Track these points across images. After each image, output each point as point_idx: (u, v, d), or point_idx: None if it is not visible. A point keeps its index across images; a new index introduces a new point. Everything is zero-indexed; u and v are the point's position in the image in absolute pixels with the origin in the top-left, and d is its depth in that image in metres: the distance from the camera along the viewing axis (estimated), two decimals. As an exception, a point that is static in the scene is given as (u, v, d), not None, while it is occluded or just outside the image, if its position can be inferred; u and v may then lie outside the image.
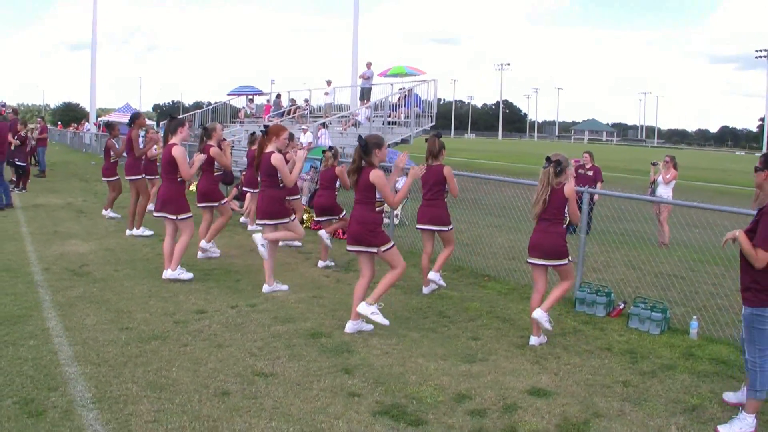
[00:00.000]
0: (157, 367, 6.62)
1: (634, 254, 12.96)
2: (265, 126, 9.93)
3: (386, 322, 7.85)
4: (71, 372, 6.42)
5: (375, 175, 7.70)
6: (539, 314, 7.72)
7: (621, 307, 9.21)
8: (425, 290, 10.01)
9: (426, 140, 9.99)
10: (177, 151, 9.95)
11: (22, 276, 10.04)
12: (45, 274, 10.19)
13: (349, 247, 8.02)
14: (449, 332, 8.19)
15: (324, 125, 26.22)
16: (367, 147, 7.79)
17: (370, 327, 7.95)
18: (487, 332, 8.23)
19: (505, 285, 10.65)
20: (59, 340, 7.28)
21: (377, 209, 7.89)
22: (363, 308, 7.81)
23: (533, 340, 7.85)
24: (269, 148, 9.48)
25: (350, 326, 8.02)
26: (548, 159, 7.78)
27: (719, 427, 5.81)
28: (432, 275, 9.85)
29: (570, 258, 7.91)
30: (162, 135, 11.22)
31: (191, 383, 6.26)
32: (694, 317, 8.51)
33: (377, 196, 7.81)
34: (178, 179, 10.08)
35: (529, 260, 8.00)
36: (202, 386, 6.19)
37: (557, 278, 8.08)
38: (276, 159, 9.33)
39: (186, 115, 38.92)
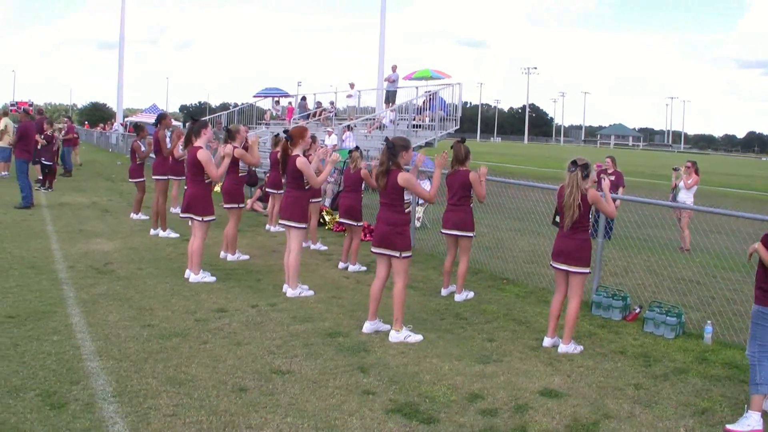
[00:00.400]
0: (176, 363, 6.77)
1: (653, 259, 13.01)
2: (285, 130, 10.03)
3: (420, 337, 7.94)
4: (93, 366, 6.58)
5: (403, 178, 7.76)
6: (564, 349, 7.80)
7: (637, 311, 9.27)
8: (443, 292, 10.12)
9: (451, 147, 10.05)
10: (202, 155, 10.06)
11: (47, 273, 10.24)
12: (69, 272, 10.38)
13: (374, 249, 8.08)
14: (465, 333, 8.29)
15: (349, 128, 26.37)
16: (395, 149, 7.85)
17: (387, 327, 8.06)
18: (502, 334, 8.32)
19: (523, 288, 10.74)
20: (82, 336, 7.45)
21: (406, 210, 7.99)
22: (394, 337, 7.88)
23: (547, 342, 7.94)
24: (295, 152, 9.58)
25: (368, 326, 8.14)
26: (574, 163, 7.77)
27: (728, 426, 5.90)
28: (458, 297, 9.94)
29: (589, 269, 7.99)
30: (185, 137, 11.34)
31: (210, 379, 6.39)
32: (709, 322, 8.57)
33: (405, 197, 7.89)
34: (205, 180, 10.20)
35: (553, 264, 8.06)
36: (220, 382, 6.33)
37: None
38: (301, 163, 9.43)
39: (213, 116, 39.22)
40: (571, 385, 6.71)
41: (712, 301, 10.13)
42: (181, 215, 10.57)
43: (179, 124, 50.46)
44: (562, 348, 7.79)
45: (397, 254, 7.87)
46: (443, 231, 10.09)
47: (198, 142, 10.19)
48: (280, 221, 9.85)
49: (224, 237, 11.98)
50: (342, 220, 11.96)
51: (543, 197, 12.99)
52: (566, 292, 8.03)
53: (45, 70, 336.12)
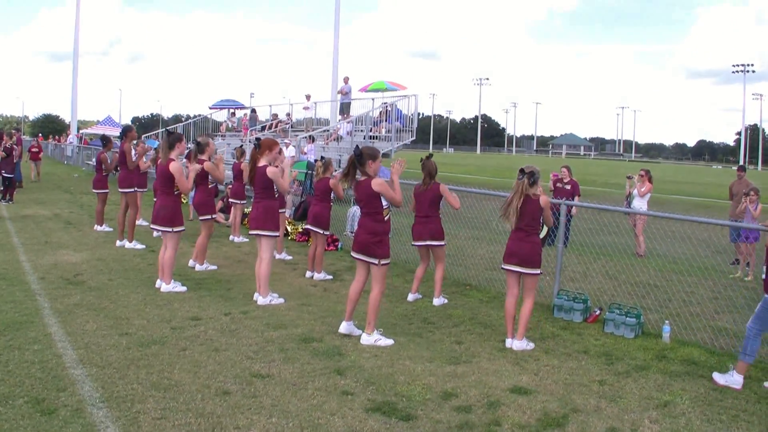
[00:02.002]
0: (159, 369, 6.96)
1: (611, 265, 13.37)
2: (257, 139, 10.24)
3: (391, 342, 8.17)
4: (77, 374, 6.74)
5: (377, 183, 7.99)
6: (518, 345, 8.16)
7: (597, 313, 9.62)
8: (410, 297, 10.42)
9: (421, 161, 10.29)
10: (174, 167, 10.23)
11: (19, 285, 10.34)
12: (41, 283, 10.49)
13: (354, 254, 8.32)
14: (434, 337, 8.57)
15: (312, 139, 26.56)
16: (362, 158, 8.08)
17: (360, 332, 8.31)
18: (470, 337, 8.63)
19: (486, 293, 11.06)
20: (62, 345, 7.60)
21: (386, 218, 8.25)
22: (365, 339, 8.14)
23: (509, 342, 8.28)
24: (262, 162, 9.79)
25: (344, 327, 8.41)
26: (522, 171, 8.26)
27: (714, 375, 7.35)
28: (436, 301, 10.29)
29: (541, 270, 8.36)
30: (158, 149, 11.47)
31: (193, 384, 6.60)
32: (666, 321, 8.96)
33: (383, 204, 8.16)
34: (175, 192, 10.36)
35: (504, 266, 8.44)
36: (203, 386, 6.54)
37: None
38: (271, 171, 9.65)
39: (168, 128, 39.16)
40: (539, 383, 7.03)
41: (669, 303, 10.55)
42: (152, 226, 10.71)
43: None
44: (516, 344, 8.16)
45: (376, 261, 8.12)
46: (416, 243, 10.37)
47: (171, 155, 10.37)
48: (251, 231, 10.01)
49: (197, 246, 12.12)
50: (308, 227, 12.13)
51: (498, 206, 13.27)
52: (518, 293, 8.44)
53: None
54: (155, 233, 11.55)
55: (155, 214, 10.49)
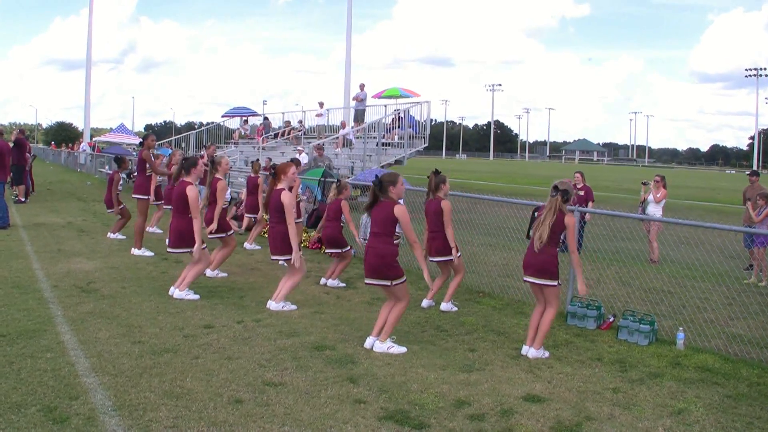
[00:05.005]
0: (171, 377, 6.95)
1: (624, 271, 13.33)
2: (272, 167, 10.28)
3: (404, 349, 8.16)
4: (90, 382, 6.74)
5: (400, 211, 7.98)
6: (533, 353, 8.13)
7: (611, 320, 9.58)
8: (424, 303, 10.41)
9: (428, 177, 10.28)
10: (191, 192, 10.30)
11: (32, 292, 10.36)
12: (54, 291, 10.51)
13: (368, 281, 8.29)
14: (447, 345, 8.55)
15: (320, 147, 26.56)
16: (382, 185, 8.09)
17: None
18: (483, 344, 8.60)
19: (499, 301, 11.02)
20: (75, 353, 7.60)
21: (396, 242, 8.23)
22: (379, 346, 8.13)
23: (525, 350, 8.24)
24: (280, 186, 9.84)
25: (369, 341, 8.32)
26: (556, 187, 8.15)
27: None
28: (443, 306, 10.28)
29: (558, 281, 8.30)
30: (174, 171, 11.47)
31: (205, 392, 6.59)
32: (681, 328, 8.91)
33: (396, 229, 8.14)
34: (189, 214, 10.35)
35: (525, 279, 8.39)
36: (216, 395, 6.53)
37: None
38: (285, 197, 9.70)
39: (179, 136, 39.25)
40: (553, 391, 7.00)
41: (683, 309, 10.50)
42: (169, 250, 10.70)
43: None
44: (532, 353, 8.13)
45: (389, 283, 8.10)
46: (432, 259, 10.33)
47: (189, 178, 10.45)
48: (272, 257, 10.14)
49: (218, 257, 12.13)
50: (329, 251, 12.16)
51: (512, 212, 13.33)
52: (545, 305, 8.35)
53: (9, 90, 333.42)
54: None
55: (174, 237, 10.54)
